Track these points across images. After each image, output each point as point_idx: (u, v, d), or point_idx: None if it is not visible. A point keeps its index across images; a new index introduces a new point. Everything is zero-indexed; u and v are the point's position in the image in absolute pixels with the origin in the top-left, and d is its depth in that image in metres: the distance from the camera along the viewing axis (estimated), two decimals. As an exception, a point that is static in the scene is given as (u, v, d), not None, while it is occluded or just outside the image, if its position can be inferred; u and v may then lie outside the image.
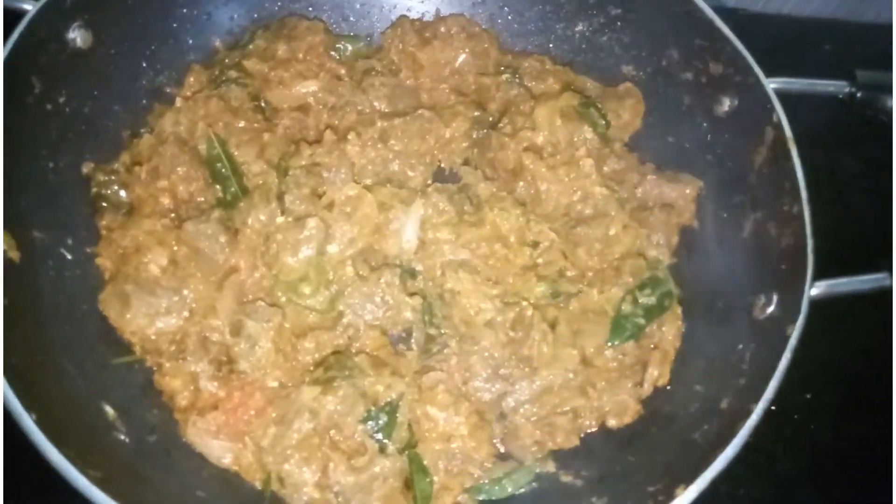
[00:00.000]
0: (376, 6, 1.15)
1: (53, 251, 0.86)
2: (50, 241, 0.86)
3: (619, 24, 1.09)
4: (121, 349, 0.85)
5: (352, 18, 1.15)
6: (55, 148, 0.89)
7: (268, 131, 0.99)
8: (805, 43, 1.29)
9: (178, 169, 0.92)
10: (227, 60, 1.06)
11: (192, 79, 1.03)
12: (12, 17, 0.84)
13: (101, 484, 0.65)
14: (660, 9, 1.02)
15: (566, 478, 0.84)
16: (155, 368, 0.85)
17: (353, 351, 0.87)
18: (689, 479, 0.69)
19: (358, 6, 1.15)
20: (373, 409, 0.82)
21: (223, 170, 0.94)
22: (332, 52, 1.09)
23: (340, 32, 1.13)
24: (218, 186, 0.94)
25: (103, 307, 0.86)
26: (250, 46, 1.07)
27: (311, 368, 0.85)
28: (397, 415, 0.82)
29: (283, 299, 0.88)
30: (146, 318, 0.85)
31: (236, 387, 0.82)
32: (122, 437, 0.77)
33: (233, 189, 0.93)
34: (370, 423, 0.81)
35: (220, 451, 0.80)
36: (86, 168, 0.93)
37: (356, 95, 1.05)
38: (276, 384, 0.84)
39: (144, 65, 1.01)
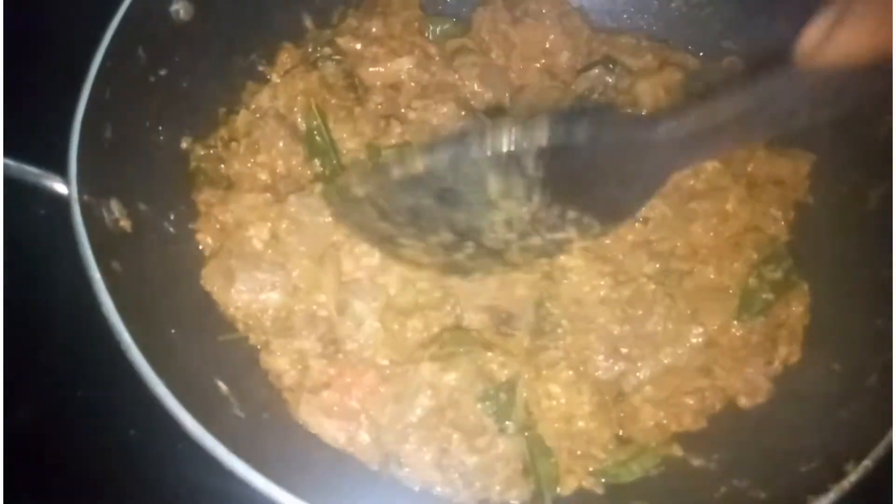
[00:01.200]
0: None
1: (158, 224, 0.84)
2: (154, 214, 0.84)
3: (720, -3, 1.05)
4: (224, 326, 0.83)
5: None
6: (157, 120, 0.88)
7: (360, 107, 0.97)
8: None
9: (279, 143, 0.90)
10: (319, 39, 1.04)
11: (285, 56, 1.01)
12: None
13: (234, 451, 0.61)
14: (769, -23, 0.98)
15: (696, 461, 0.79)
16: (260, 346, 0.82)
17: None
18: (858, 455, 0.64)
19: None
20: (491, 387, 0.78)
21: (322, 143, 0.92)
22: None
23: (430, 12, 1.11)
24: (317, 161, 0.92)
25: (206, 282, 0.84)
26: (342, 25, 1.05)
27: (425, 345, 0.81)
28: (515, 393, 0.78)
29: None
30: (250, 292, 0.82)
31: (348, 364, 0.79)
32: (238, 412, 0.74)
33: (333, 162, 0.91)
34: (488, 402, 0.77)
35: (334, 430, 0.77)
36: (185, 143, 0.91)
37: (448, 74, 1.03)
38: (386, 362, 0.81)
39: (238, 41, 1.00)
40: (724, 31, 1.06)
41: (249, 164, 0.91)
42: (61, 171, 0.70)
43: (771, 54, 0.98)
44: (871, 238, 0.87)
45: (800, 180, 0.96)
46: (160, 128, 0.88)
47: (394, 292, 0.83)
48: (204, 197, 0.89)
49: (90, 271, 0.66)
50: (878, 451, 0.64)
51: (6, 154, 0.71)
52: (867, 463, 0.63)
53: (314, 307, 0.82)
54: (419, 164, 0.65)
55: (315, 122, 0.91)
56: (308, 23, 1.06)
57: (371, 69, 1.01)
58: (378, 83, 1.02)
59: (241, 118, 0.95)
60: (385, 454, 0.76)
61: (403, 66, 1.02)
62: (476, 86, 1.02)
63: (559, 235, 0.74)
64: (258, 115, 0.94)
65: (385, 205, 0.70)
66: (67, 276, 0.69)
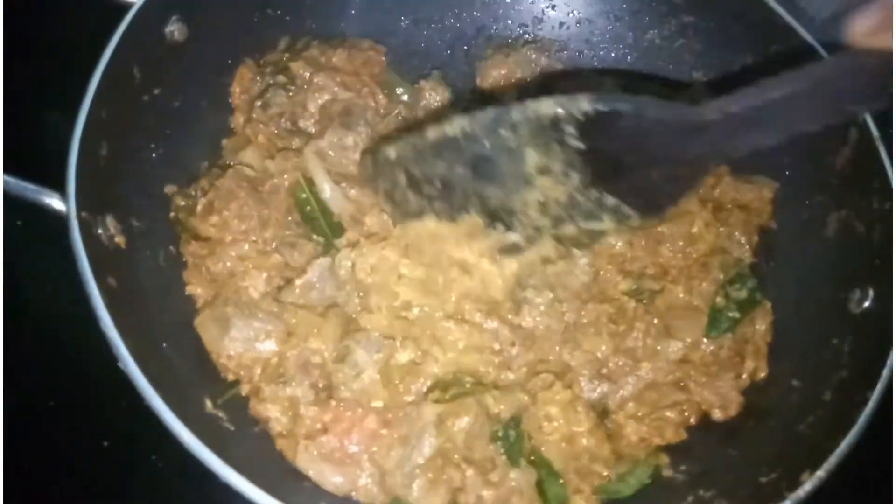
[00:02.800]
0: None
1: (152, 241, 0.86)
2: (146, 231, 0.86)
3: (690, 31, 1.11)
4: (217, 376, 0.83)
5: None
6: (150, 138, 0.90)
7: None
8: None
9: (231, 205, 0.88)
10: (275, 61, 1.05)
11: (244, 71, 1.02)
12: (117, 10, 0.86)
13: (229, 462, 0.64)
14: (735, 15, 1.04)
15: (667, 472, 0.83)
16: (250, 395, 0.80)
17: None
18: (812, 465, 0.69)
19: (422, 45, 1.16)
20: (499, 427, 0.80)
21: (312, 212, 0.91)
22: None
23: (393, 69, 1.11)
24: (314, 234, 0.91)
25: (199, 331, 0.82)
26: (307, 52, 1.06)
27: (427, 392, 0.82)
28: (522, 427, 0.81)
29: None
30: (245, 342, 0.80)
31: (343, 410, 0.79)
32: (229, 425, 0.76)
33: (327, 230, 0.91)
34: (500, 441, 0.79)
35: (334, 475, 0.76)
36: (168, 190, 0.90)
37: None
38: (380, 404, 0.80)
39: (230, 62, 1.03)
40: (694, 63, 1.12)
41: (220, 218, 0.88)
42: (60, 188, 0.72)
43: (738, 83, 1.07)
44: (829, 261, 0.93)
45: (763, 206, 1.01)
46: (152, 145, 0.90)
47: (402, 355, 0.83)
48: (191, 249, 0.88)
49: (88, 287, 0.68)
50: (830, 462, 0.69)
51: (5, 171, 0.72)
52: (820, 473, 0.68)
53: (307, 353, 0.82)
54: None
55: (303, 195, 0.90)
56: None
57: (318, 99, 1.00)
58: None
59: (213, 175, 0.92)
60: (393, 498, 0.76)
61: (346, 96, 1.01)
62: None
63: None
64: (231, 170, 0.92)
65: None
66: (65, 291, 0.70)
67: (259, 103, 1.00)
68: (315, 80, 1.02)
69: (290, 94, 1.01)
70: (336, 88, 1.02)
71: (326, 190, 0.91)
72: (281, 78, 1.03)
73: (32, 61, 0.92)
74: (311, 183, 0.92)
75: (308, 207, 0.91)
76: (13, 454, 0.77)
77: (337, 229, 0.91)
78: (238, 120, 1.02)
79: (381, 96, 1.04)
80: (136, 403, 0.65)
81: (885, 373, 0.74)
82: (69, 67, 0.82)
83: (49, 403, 0.86)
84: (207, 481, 0.63)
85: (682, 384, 0.90)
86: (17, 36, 0.84)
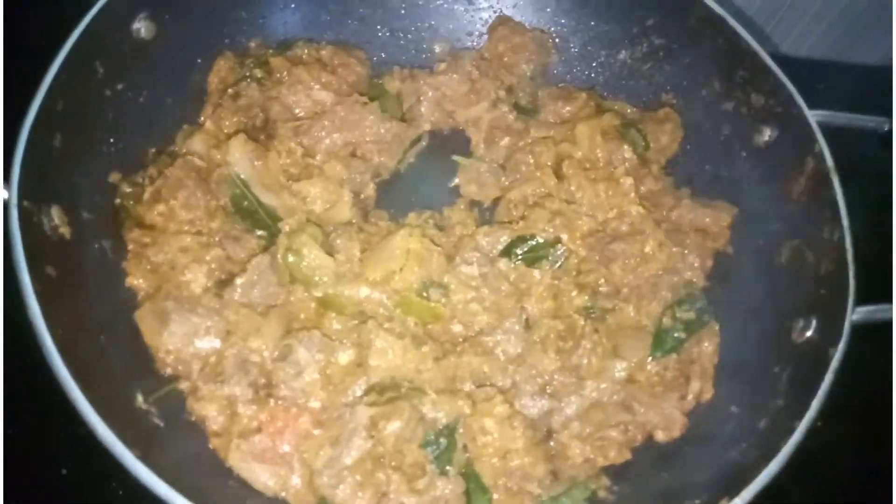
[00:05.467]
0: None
1: (100, 233, 0.86)
2: (97, 224, 0.86)
3: (661, 53, 1.12)
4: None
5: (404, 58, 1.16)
6: (110, 133, 0.91)
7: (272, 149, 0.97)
8: (844, 83, 1.33)
9: (179, 194, 0.88)
10: (258, 55, 1.06)
11: (221, 63, 1.03)
12: (84, 3, 0.87)
13: (145, 460, 0.64)
14: (705, 40, 1.05)
15: (601, 493, 0.83)
16: (187, 392, 0.80)
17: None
18: (731, 494, 0.69)
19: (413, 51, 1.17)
20: (431, 433, 0.80)
21: (250, 206, 0.91)
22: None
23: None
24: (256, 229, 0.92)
25: (139, 323, 0.82)
26: (293, 49, 1.07)
27: (359, 394, 0.82)
28: (455, 436, 0.81)
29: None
30: (184, 337, 0.80)
31: (279, 409, 0.79)
32: (158, 421, 0.77)
33: (267, 223, 0.92)
34: (430, 447, 0.79)
35: (265, 475, 0.76)
36: (112, 178, 0.90)
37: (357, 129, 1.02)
38: (317, 405, 0.81)
39: (199, 61, 1.04)
40: (663, 85, 1.13)
41: (166, 207, 0.88)
42: (5, 177, 0.73)
43: (705, 106, 1.07)
44: (779, 289, 0.93)
45: (721, 230, 1.01)
46: (111, 139, 0.91)
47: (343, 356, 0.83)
48: (134, 236, 0.87)
49: (21, 276, 0.68)
50: (750, 490, 0.68)
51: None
52: (738, 501, 0.68)
53: (247, 352, 0.82)
54: None
55: (238, 191, 0.91)
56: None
57: (291, 93, 1.01)
58: (296, 111, 1.02)
59: (163, 162, 0.93)
60: (319, 498, 0.76)
61: (325, 97, 1.03)
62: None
63: None
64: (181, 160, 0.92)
65: None
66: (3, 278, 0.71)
67: (230, 92, 1.01)
68: (294, 74, 1.02)
69: (263, 88, 1.03)
70: (314, 85, 1.04)
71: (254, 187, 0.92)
72: (258, 72, 1.04)
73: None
74: (243, 182, 0.92)
75: (245, 202, 0.91)
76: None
77: (276, 218, 0.91)
78: (208, 111, 1.02)
79: (358, 105, 1.03)
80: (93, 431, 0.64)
81: (814, 404, 0.74)
82: (31, 58, 0.83)
83: (7, 431, 0.83)
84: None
85: (627, 404, 0.89)
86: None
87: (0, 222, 0.71)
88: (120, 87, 0.92)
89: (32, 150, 0.76)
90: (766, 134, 1.00)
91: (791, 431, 0.72)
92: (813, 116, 0.94)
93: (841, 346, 0.78)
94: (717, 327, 0.93)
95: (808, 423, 0.73)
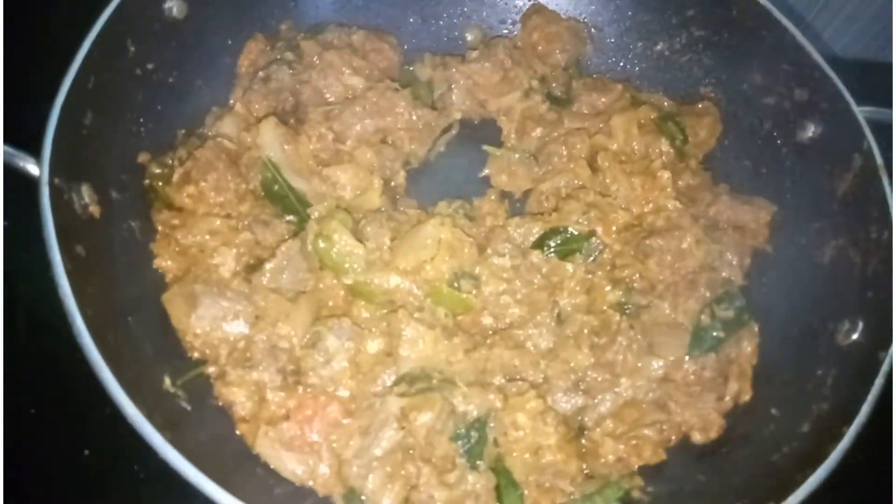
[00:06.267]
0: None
1: (129, 214, 0.85)
2: (125, 202, 0.85)
3: (701, 45, 1.09)
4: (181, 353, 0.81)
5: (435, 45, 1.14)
6: (140, 112, 0.90)
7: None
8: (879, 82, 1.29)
9: (209, 176, 0.87)
10: (290, 38, 1.05)
11: (252, 45, 1.02)
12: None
13: (174, 443, 0.62)
14: (747, 33, 1.02)
15: (635, 493, 0.81)
16: (215, 377, 0.79)
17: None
18: (777, 498, 0.66)
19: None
20: (462, 426, 0.78)
21: (281, 191, 0.90)
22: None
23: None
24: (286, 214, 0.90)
25: (167, 306, 0.81)
26: (323, 34, 1.05)
27: (389, 383, 0.80)
28: (486, 430, 0.79)
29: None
30: (213, 321, 0.79)
31: (308, 396, 0.77)
32: (186, 405, 0.75)
33: (297, 207, 0.90)
34: (461, 441, 0.77)
35: (292, 463, 0.75)
36: (142, 158, 0.89)
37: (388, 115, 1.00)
38: (346, 393, 0.79)
39: (230, 42, 1.03)
40: (702, 78, 1.10)
41: (196, 189, 0.87)
42: (36, 153, 0.72)
43: (745, 100, 1.04)
44: (821, 291, 0.90)
45: (760, 228, 0.99)
46: (141, 119, 0.90)
47: (372, 344, 0.82)
48: (163, 217, 0.87)
49: (52, 255, 0.67)
50: (797, 495, 0.66)
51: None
52: (783, 507, 0.65)
53: (276, 338, 0.80)
54: None
55: (269, 174, 0.89)
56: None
57: (321, 77, 1.00)
58: (326, 96, 1.00)
59: (192, 143, 0.92)
60: (348, 488, 0.75)
61: (356, 83, 1.01)
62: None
63: None
64: (211, 142, 0.91)
65: None
66: (33, 257, 0.70)
67: (261, 75, 1.00)
68: (326, 58, 1.01)
69: (294, 71, 1.01)
70: (346, 70, 1.02)
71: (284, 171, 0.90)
72: (289, 55, 1.02)
73: (27, 27, 0.93)
74: (275, 165, 0.90)
75: (276, 186, 0.90)
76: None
77: (306, 204, 0.90)
78: (237, 94, 1.01)
79: (389, 91, 1.01)
80: (118, 413, 0.63)
81: (864, 409, 0.71)
82: (63, 35, 0.82)
83: (30, 411, 0.83)
84: (190, 492, 0.61)
85: (662, 403, 0.87)
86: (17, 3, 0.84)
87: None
88: (150, 66, 0.91)
89: (63, 127, 0.75)
90: (810, 130, 0.97)
91: (840, 437, 0.69)
92: (861, 113, 0.90)
93: (892, 349, 0.75)
94: (756, 327, 0.90)
95: (858, 428, 0.70)
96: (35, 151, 0.72)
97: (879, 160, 0.87)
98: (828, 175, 0.93)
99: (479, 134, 1.09)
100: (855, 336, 0.81)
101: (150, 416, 0.62)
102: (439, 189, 1.02)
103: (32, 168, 0.72)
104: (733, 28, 1.04)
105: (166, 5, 0.91)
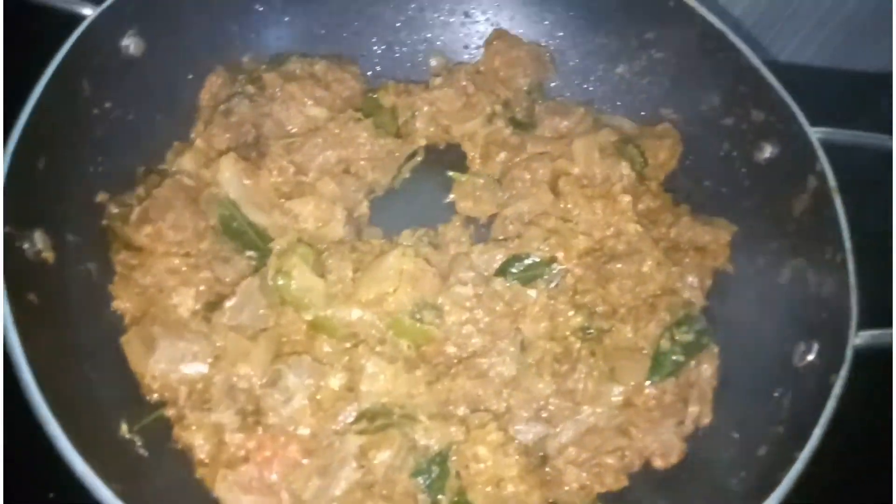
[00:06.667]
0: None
1: (86, 256, 0.85)
2: (83, 246, 0.85)
3: (660, 67, 1.10)
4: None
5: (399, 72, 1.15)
6: (97, 152, 0.89)
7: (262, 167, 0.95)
8: (846, 90, 1.31)
9: (168, 215, 0.87)
10: (251, 71, 1.05)
11: (214, 78, 1.02)
12: (71, 20, 0.85)
13: (125, 497, 0.62)
14: (705, 55, 1.03)
15: (596, 521, 0.81)
16: (173, 420, 0.79)
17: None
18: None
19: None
20: (423, 460, 0.78)
21: (239, 227, 0.90)
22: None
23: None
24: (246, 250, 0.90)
25: (125, 349, 0.81)
26: (286, 65, 1.05)
27: (349, 421, 0.80)
28: (448, 464, 0.79)
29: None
30: (171, 363, 0.79)
31: (267, 437, 0.77)
32: (143, 451, 0.75)
33: (257, 244, 0.90)
34: (422, 476, 0.78)
35: None
36: (100, 198, 0.88)
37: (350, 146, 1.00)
38: (307, 432, 0.79)
39: (190, 76, 1.03)
40: (662, 99, 1.11)
41: (154, 228, 0.86)
42: (-14, 202, 0.72)
43: (704, 121, 1.05)
44: (780, 310, 0.91)
45: (720, 248, 1.00)
46: (99, 158, 0.89)
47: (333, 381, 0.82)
48: (121, 258, 0.86)
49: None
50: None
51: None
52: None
53: (235, 379, 0.80)
54: None
55: (227, 212, 0.89)
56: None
57: (283, 109, 0.99)
58: (288, 128, 1.00)
59: (151, 181, 0.91)
60: None
61: (319, 113, 1.01)
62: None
63: None
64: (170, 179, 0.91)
65: None
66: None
67: (222, 108, 1.00)
68: (287, 90, 1.01)
69: (255, 104, 1.01)
70: (308, 101, 1.02)
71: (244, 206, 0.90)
72: (250, 88, 1.03)
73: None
74: (232, 202, 0.90)
75: (234, 223, 0.90)
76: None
77: (267, 238, 0.90)
78: (199, 129, 1.01)
79: (351, 122, 1.02)
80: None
81: (815, 433, 0.72)
82: (15, 78, 0.82)
83: None
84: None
85: (624, 429, 0.88)
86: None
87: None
88: (108, 105, 0.90)
89: (15, 173, 0.74)
90: (767, 151, 0.98)
91: (792, 461, 0.70)
92: (815, 134, 0.92)
93: (843, 372, 0.76)
94: (716, 350, 0.91)
95: (810, 452, 0.71)
96: (-15, 200, 0.72)
97: (833, 182, 0.89)
98: (785, 196, 0.95)
99: (444, 159, 1.10)
100: (810, 357, 0.82)
101: (103, 469, 0.62)
102: (404, 216, 1.02)
103: (-19, 217, 0.71)
104: (691, 50, 1.05)
105: (123, 43, 0.91)
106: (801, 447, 0.71)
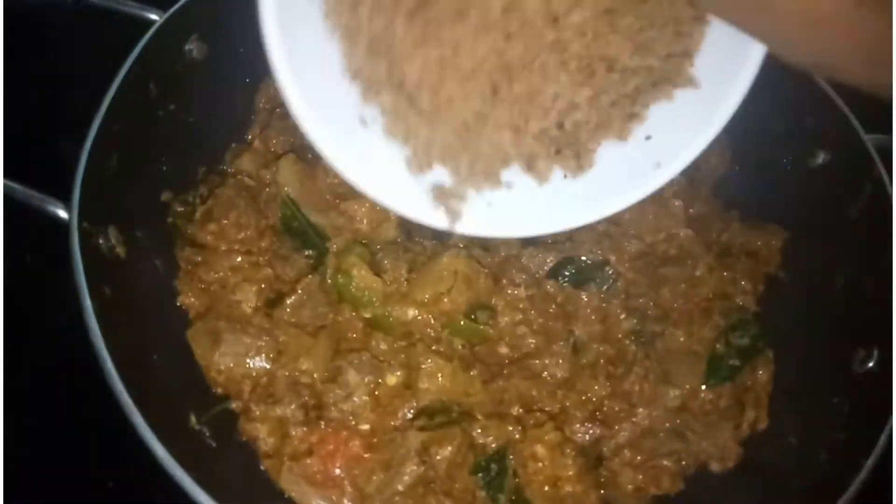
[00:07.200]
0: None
1: (153, 252, 0.87)
2: (148, 241, 0.87)
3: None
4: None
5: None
6: (162, 152, 0.92)
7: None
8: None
9: (230, 214, 0.89)
10: None
11: (269, 83, 1.02)
12: (140, 25, 0.88)
13: (200, 484, 0.64)
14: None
15: (655, 523, 0.81)
16: (240, 412, 0.81)
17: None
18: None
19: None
20: (482, 458, 0.79)
21: (300, 227, 0.92)
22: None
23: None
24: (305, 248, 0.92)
25: (191, 343, 0.83)
26: None
27: (409, 416, 0.82)
28: (507, 462, 0.80)
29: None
30: (236, 357, 0.81)
31: (329, 432, 0.79)
32: (211, 441, 0.77)
33: (317, 243, 0.92)
34: (481, 473, 0.79)
35: (316, 498, 0.76)
36: (165, 197, 0.91)
37: None
38: (367, 427, 0.81)
39: (248, 80, 1.05)
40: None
41: (217, 226, 0.89)
42: (64, 198, 0.74)
43: (755, 128, 1.05)
44: (835, 316, 0.90)
45: (772, 254, 0.99)
46: (163, 158, 0.92)
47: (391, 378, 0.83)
48: (186, 254, 0.89)
49: (82, 298, 0.69)
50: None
51: (14, 178, 0.75)
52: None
53: (297, 374, 0.82)
54: None
55: (288, 212, 0.91)
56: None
57: None
58: None
59: (212, 182, 0.94)
60: None
61: None
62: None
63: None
64: (232, 179, 0.94)
65: None
66: (62, 300, 0.72)
67: (278, 111, 1.02)
68: None
69: None
70: None
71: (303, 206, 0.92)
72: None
73: (54, 72, 0.96)
74: (293, 201, 0.92)
75: (295, 223, 0.91)
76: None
77: (325, 237, 0.91)
78: (255, 131, 1.03)
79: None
80: (142, 445, 0.65)
81: (882, 439, 0.71)
82: (88, 80, 0.85)
83: (57, 444, 0.84)
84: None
85: (679, 432, 0.88)
86: (44, 47, 0.87)
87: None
88: (172, 107, 0.93)
89: (91, 171, 0.77)
90: (820, 157, 0.98)
91: (858, 469, 0.70)
92: (870, 140, 0.92)
93: (908, 379, 0.75)
94: (771, 355, 0.91)
95: (875, 460, 0.70)
96: (64, 196, 0.75)
97: (891, 188, 0.88)
98: (838, 202, 0.94)
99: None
100: (870, 364, 0.82)
101: (180, 457, 0.64)
102: (454, 219, 1.04)
103: (62, 213, 0.74)
104: (741, 57, 1.05)
105: (187, 47, 0.94)
106: (867, 454, 0.71)
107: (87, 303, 0.69)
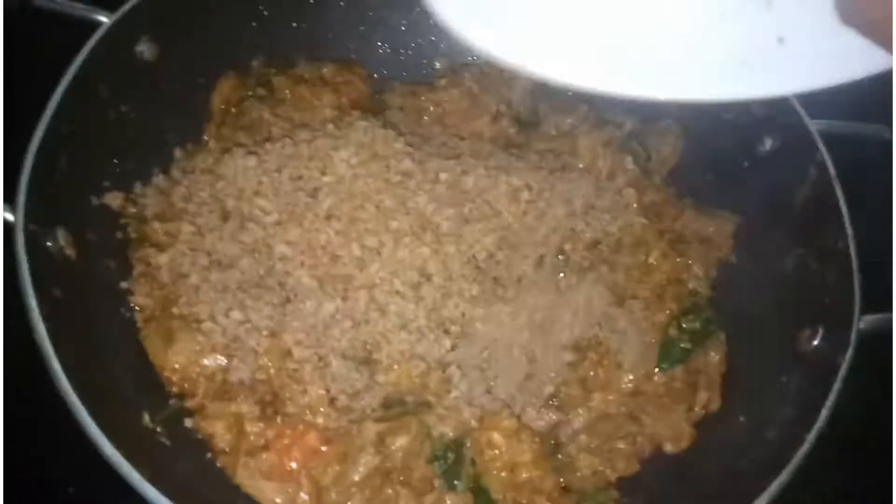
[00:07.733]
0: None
1: (105, 253, 0.87)
2: (102, 244, 0.87)
3: (660, 64, 1.12)
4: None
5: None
6: (114, 153, 0.92)
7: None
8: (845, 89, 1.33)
9: (184, 214, 0.89)
10: (261, 75, 1.07)
11: (224, 84, 1.05)
12: (89, 27, 0.88)
13: (152, 481, 0.64)
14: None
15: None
16: (195, 410, 0.80)
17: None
18: (741, 504, 0.68)
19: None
20: (439, 447, 0.80)
21: None
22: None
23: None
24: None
25: (145, 342, 0.83)
26: (295, 68, 1.08)
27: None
28: (464, 450, 0.81)
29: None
30: (190, 355, 0.81)
31: (286, 426, 0.79)
32: (165, 440, 0.77)
33: None
34: (438, 462, 0.80)
35: (272, 492, 0.77)
36: (117, 198, 0.89)
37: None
38: (322, 421, 0.81)
39: (202, 80, 1.05)
40: (663, 96, 1.13)
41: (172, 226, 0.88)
42: (10, 199, 0.74)
43: (705, 117, 1.08)
44: (784, 297, 0.93)
45: (724, 240, 1.02)
46: (115, 160, 0.92)
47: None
48: (139, 255, 0.87)
49: (27, 300, 0.69)
50: (760, 502, 0.68)
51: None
52: (747, 513, 0.67)
53: (253, 369, 0.81)
54: None
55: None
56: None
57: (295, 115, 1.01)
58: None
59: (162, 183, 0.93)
60: None
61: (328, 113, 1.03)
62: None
63: None
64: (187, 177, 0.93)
65: None
66: (7, 304, 0.71)
67: (234, 111, 1.02)
68: (297, 93, 1.03)
69: (268, 106, 1.03)
70: (316, 103, 1.04)
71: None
72: (261, 90, 1.05)
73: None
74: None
75: None
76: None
77: None
78: (211, 130, 1.04)
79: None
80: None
81: (823, 413, 0.73)
82: (35, 83, 0.84)
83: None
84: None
85: (634, 416, 0.89)
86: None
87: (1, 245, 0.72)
88: (124, 108, 0.92)
89: (38, 172, 0.77)
90: (768, 144, 1.00)
91: (801, 442, 0.72)
92: (814, 125, 0.94)
93: (848, 354, 0.77)
94: (723, 337, 0.93)
95: (817, 432, 0.72)
96: (9, 198, 0.74)
97: (833, 171, 0.91)
98: (786, 187, 0.97)
99: (450, 158, 1.12)
100: (815, 342, 0.84)
101: (130, 456, 0.64)
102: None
103: (7, 215, 0.73)
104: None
105: (138, 49, 0.93)
106: (808, 428, 0.73)
107: (33, 304, 0.68)
